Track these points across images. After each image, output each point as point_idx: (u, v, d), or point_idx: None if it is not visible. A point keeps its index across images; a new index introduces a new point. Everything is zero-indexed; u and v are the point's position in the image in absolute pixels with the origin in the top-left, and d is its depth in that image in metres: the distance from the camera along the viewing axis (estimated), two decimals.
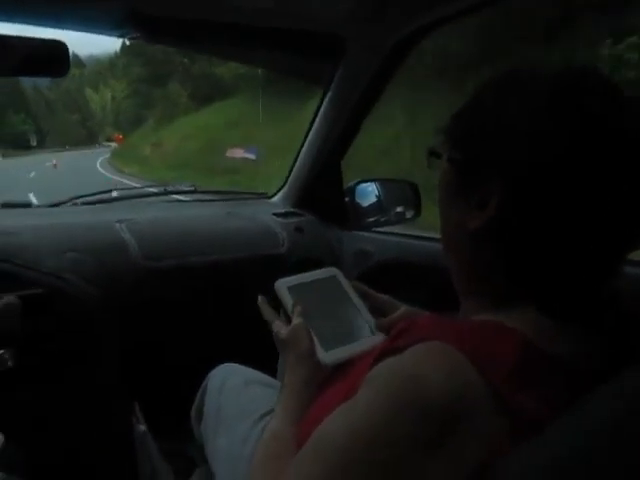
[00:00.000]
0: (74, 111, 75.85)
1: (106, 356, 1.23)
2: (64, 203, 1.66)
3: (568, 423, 0.48)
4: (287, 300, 0.87)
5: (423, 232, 1.55)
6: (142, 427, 1.22)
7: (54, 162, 25.31)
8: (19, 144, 54.56)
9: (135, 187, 2.15)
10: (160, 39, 1.44)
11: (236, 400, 1.05)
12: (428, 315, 0.71)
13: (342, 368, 0.80)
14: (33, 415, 1.11)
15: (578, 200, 0.55)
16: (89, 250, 1.29)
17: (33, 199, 7.26)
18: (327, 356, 0.81)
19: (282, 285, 0.90)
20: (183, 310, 1.38)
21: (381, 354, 0.60)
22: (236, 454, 0.94)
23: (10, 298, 1.07)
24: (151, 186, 2.49)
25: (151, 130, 34.43)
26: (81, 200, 1.68)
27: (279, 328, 0.85)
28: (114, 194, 1.82)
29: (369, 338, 0.85)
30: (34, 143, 55.22)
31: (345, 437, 0.52)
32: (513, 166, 0.57)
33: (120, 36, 1.24)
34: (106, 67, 70.82)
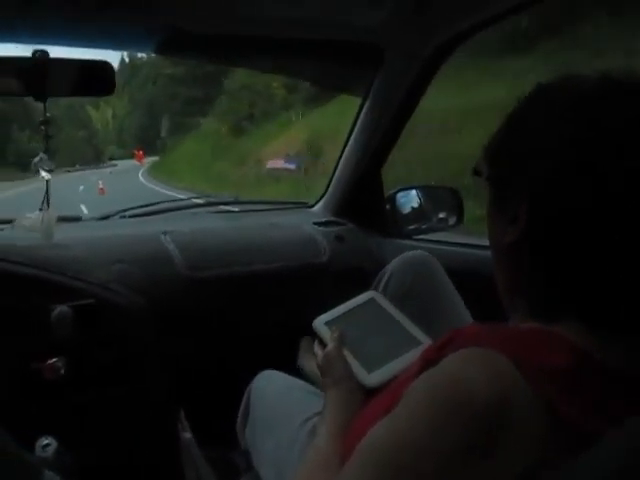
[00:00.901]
0: (79, 127, 69.53)
1: (152, 364, 1.26)
2: (112, 216, 1.72)
3: (621, 436, 0.46)
4: (325, 334, 0.88)
5: (466, 239, 1.53)
6: (187, 434, 1.24)
7: (100, 186, 17.66)
8: (27, 164, 47.76)
9: (181, 199, 2.21)
10: (200, 56, 1.48)
11: (280, 405, 1.07)
12: (473, 323, 0.70)
13: None
14: (83, 421, 1.15)
15: (605, 209, 0.54)
16: (136, 261, 1.33)
17: None
18: (370, 378, 0.80)
19: (319, 322, 0.91)
20: (227, 318, 1.40)
21: (425, 365, 0.59)
22: (283, 458, 0.95)
23: (63, 309, 1.12)
24: (195, 197, 2.55)
25: (225, 137, 22.18)
26: (129, 213, 1.74)
27: (318, 358, 0.87)
28: (160, 206, 1.87)
29: (416, 349, 0.83)
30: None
31: (390, 449, 0.52)
32: (536, 180, 0.58)
33: (159, 54, 1.28)
34: None
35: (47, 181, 1.16)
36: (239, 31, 1.24)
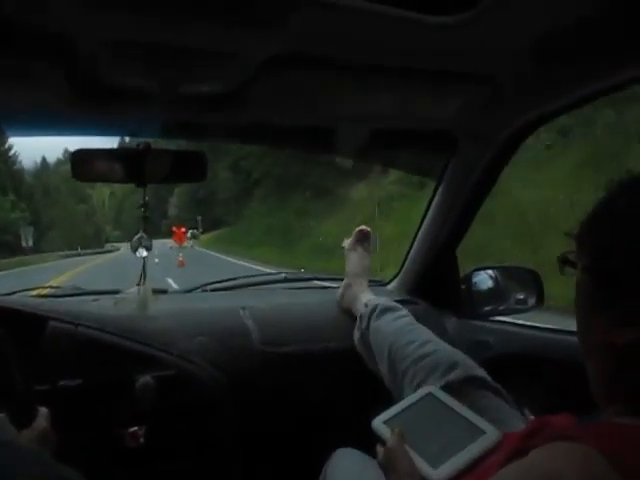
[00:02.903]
0: (79, 201, 56.41)
1: (226, 437, 1.28)
2: (196, 289, 1.82)
3: None
4: (385, 433, 0.86)
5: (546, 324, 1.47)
6: None
7: None
8: (2, 242, 30.74)
9: (260, 274, 2.29)
10: (278, 145, 1.59)
11: None
12: (564, 415, 0.67)
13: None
14: None
15: None
16: (215, 335, 1.39)
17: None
18: (437, 473, 0.77)
19: (378, 422, 0.90)
20: (302, 395, 1.41)
21: (511, 455, 0.58)
22: None
23: (146, 379, 1.18)
24: (273, 274, 2.62)
25: None
26: (210, 287, 1.82)
27: (380, 456, 0.84)
28: (239, 281, 1.95)
29: (481, 439, 0.80)
30: (29, 243, 30.05)
31: None
32: None
33: (244, 144, 1.41)
34: None
35: (144, 258, 1.28)
36: (322, 123, 1.33)
